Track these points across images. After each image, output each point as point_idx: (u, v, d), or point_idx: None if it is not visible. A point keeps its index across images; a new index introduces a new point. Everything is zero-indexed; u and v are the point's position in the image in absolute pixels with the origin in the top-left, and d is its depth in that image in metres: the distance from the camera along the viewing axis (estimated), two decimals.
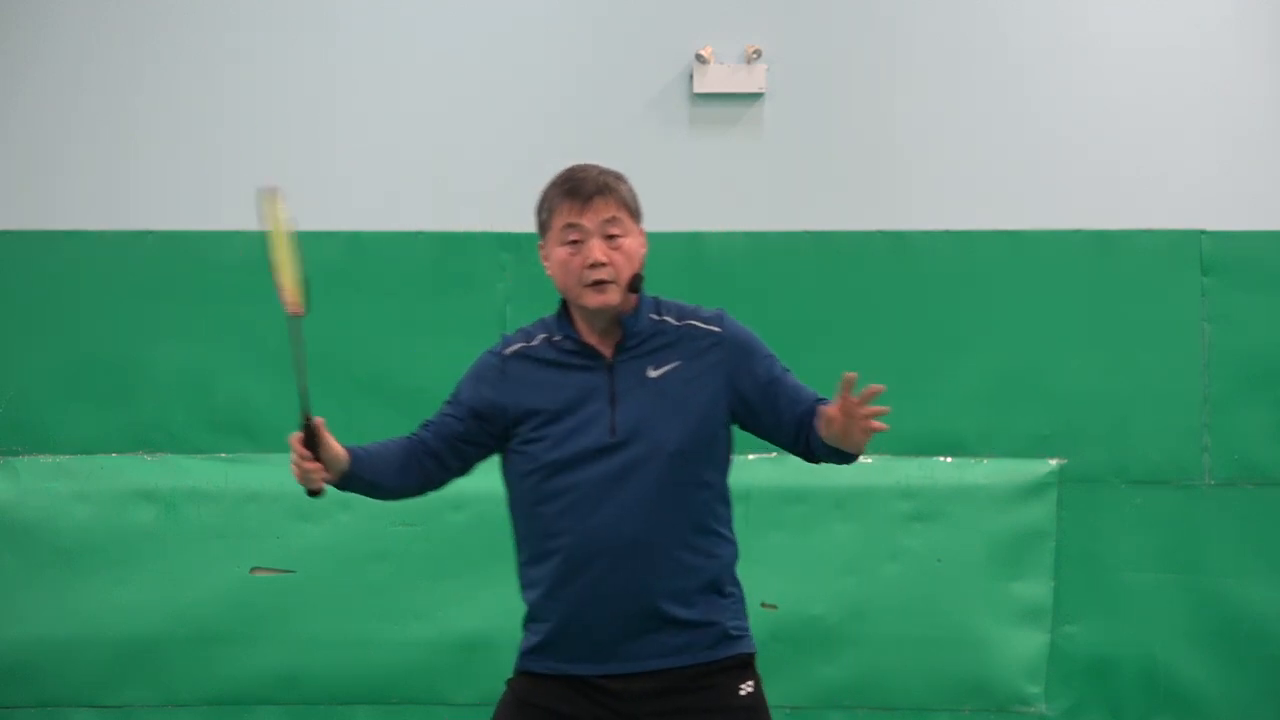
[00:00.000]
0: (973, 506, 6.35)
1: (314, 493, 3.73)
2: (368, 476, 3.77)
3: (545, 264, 3.79)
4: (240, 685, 6.32)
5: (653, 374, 3.71)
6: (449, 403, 3.85)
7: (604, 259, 3.69)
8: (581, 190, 3.71)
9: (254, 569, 6.35)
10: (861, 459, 6.32)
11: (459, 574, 6.33)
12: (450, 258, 6.45)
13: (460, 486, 6.72)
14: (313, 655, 6.32)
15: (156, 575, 6.32)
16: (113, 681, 6.32)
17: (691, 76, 6.53)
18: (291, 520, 6.35)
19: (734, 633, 3.74)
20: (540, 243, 3.79)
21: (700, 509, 3.71)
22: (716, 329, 3.76)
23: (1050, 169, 6.52)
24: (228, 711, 6.33)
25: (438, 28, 6.58)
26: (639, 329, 3.73)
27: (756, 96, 6.54)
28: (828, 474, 6.35)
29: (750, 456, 6.36)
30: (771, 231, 6.46)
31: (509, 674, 6.59)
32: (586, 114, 6.55)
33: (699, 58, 6.49)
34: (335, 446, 3.71)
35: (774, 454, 6.34)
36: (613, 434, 3.67)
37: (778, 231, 6.46)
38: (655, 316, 3.77)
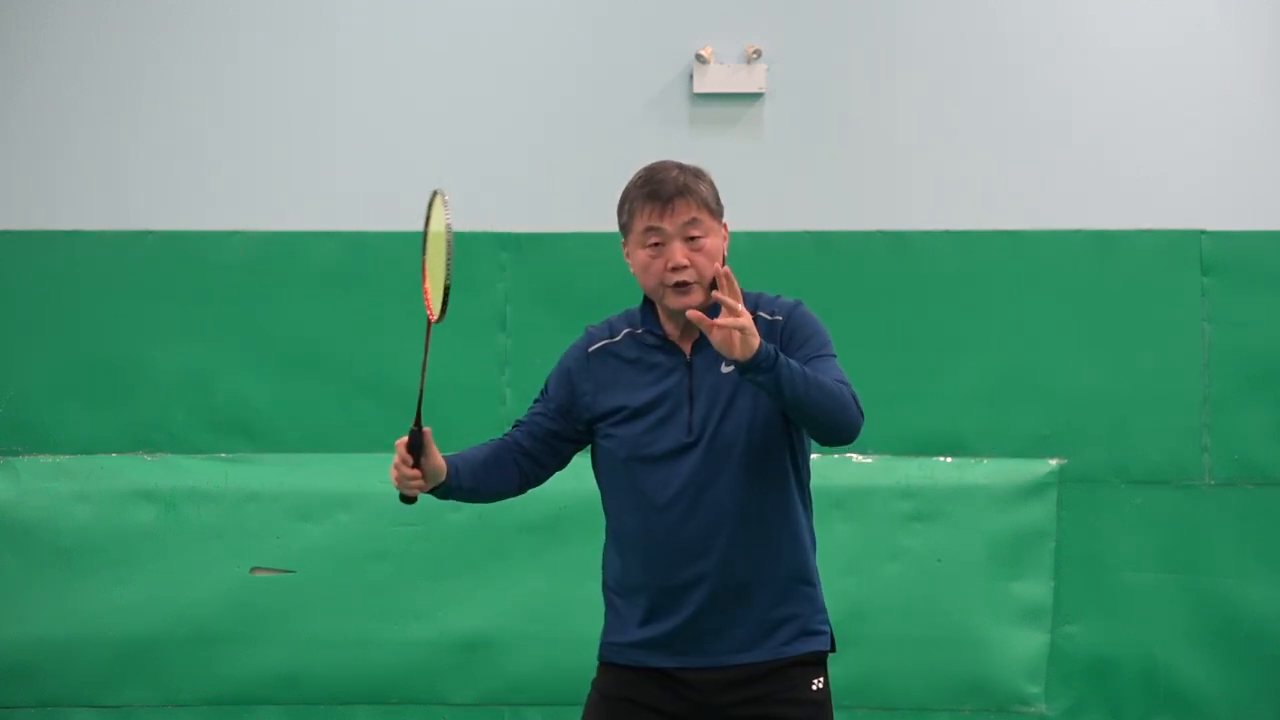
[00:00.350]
0: (973, 506, 6.35)
1: (407, 499, 3.73)
2: (467, 485, 3.79)
3: (628, 262, 3.81)
4: (240, 685, 6.32)
5: (725, 369, 3.74)
6: (539, 400, 3.90)
7: (685, 262, 3.72)
8: (661, 192, 3.73)
9: (254, 569, 6.35)
10: (861, 459, 6.35)
11: (459, 574, 6.33)
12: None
13: None
14: (313, 655, 6.31)
15: (156, 575, 6.32)
16: (113, 681, 6.32)
17: (691, 76, 6.53)
18: (291, 520, 6.35)
19: (814, 627, 3.78)
20: (622, 242, 3.81)
21: (778, 501, 3.74)
22: (780, 317, 3.79)
23: (1050, 169, 6.52)
24: (228, 711, 6.33)
25: (438, 28, 6.58)
26: None
27: (756, 96, 6.54)
28: (828, 474, 6.37)
29: None
30: (771, 231, 6.45)
31: (509, 674, 6.60)
32: (586, 114, 6.55)
33: (699, 58, 6.49)
34: (437, 458, 3.71)
35: None
36: (690, 432, 3.71)
37: (778, 231, 6.46)
38: None
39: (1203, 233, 6.43)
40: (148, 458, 6.42)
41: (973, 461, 6.40)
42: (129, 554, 6.33)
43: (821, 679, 3.78)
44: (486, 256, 6.43)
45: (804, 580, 3.78)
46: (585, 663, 4.04)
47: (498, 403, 6.32)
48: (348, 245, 6.46)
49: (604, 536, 3.88)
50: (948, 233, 6.46)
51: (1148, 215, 6.47)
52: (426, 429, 3.68)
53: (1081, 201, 6.50)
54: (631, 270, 3.80)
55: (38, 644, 6.31)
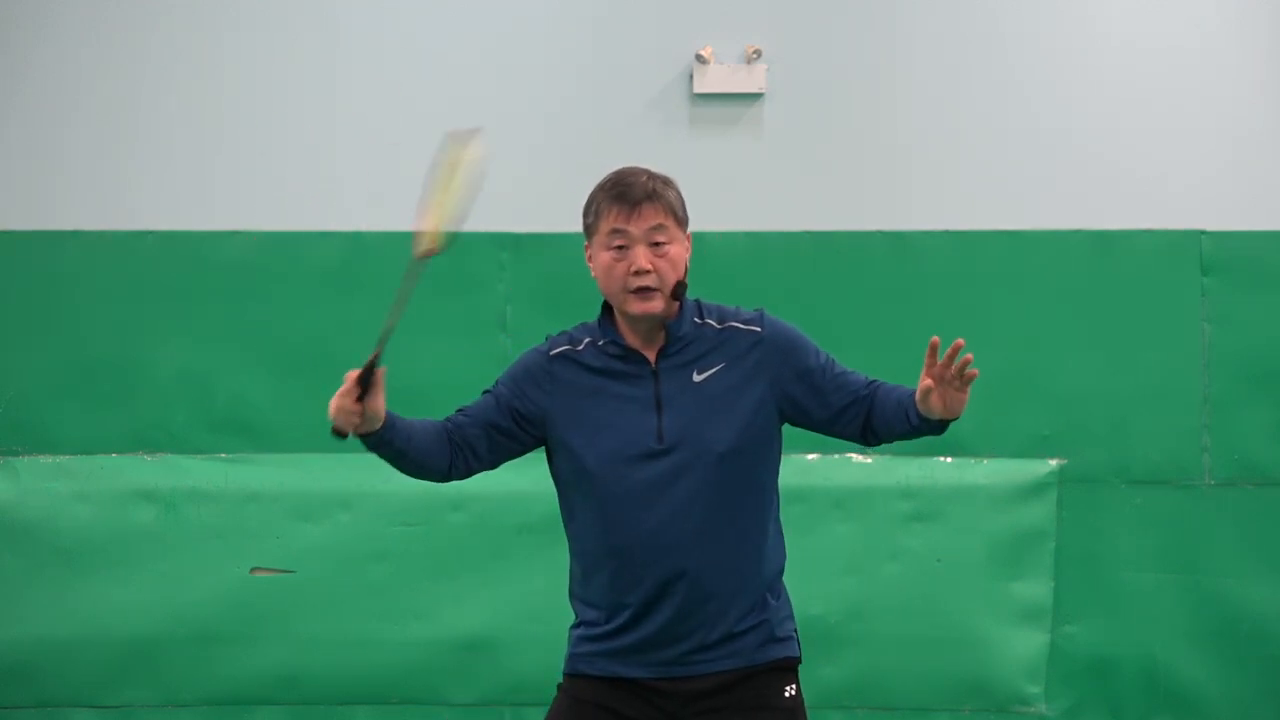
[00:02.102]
0: (973, 506, 6.35)
1: (339, 433, 3.64)
2: (399, 444, 3.70)
3: (590, 265, 3.78)
4: (240, 685, 6.32)
5: (697, 378, 3.72)
6: (490, 394, 3.82)
7: (648, 267, 3.68)
8: (630, 196, 3.70)
9: (254, 569, 6.35)
10: (861, 459, 6.35)
11: (459, 574, 6.33)
12: (450, 258, 6.42)
13: (460, 486, 6.68)
14: (313, 655, 6.31)
15: (156, 575, 6.32)
16: (113, 681, 6.32)
17: (691, 76, 6.53)
18: (291, 520, 6.35)
19: (781, 635, 3.77)
20: (586, 244, 3.78)
21: (750, 511, 3.72)
22: (757, 329, 3.76)
23: (1050, 169, 6.52)
24: (228, 711, 6.33)
25: (438, 28, 6.58)
26: (683, 334, 3.73)
27: (756, 96, 6.54)
28: (828, 474, 6.38)
29: None
30: (771, 231, 6.46)
31: (509, 674, 6.60)
32: (586, 114, 6.55)
33: (699, 58, 6.49)
34: (381, 403, 3.62)
35: None
36: (660, 440, 3.68)
37: (778, 231, 6.46)
38: (698, 320, 3.76)
39: (1203, 233, 6.43)
40: (148, 458, 6.42)
41: (973, 461, 6.40)
42: (129, 554, 6.33)
43: (794, 686, 3.78)
44: (486, 256, 6.43)
45: (770, 590, 3.76)
46: None
47: None
48: (348, 245, 6.46)
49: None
50: (948, 233, 6.46)
51: (1148, 215, 6.47)
52: (382, 368, 3.62)
53: (1081, 201, 6.49)
54: (593, 273, 3.76)
55: (38, 644, 6.31)
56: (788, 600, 3.83)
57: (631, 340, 3.75)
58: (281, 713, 6.34)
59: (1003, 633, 6.32)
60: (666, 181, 3.78)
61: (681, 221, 3.76)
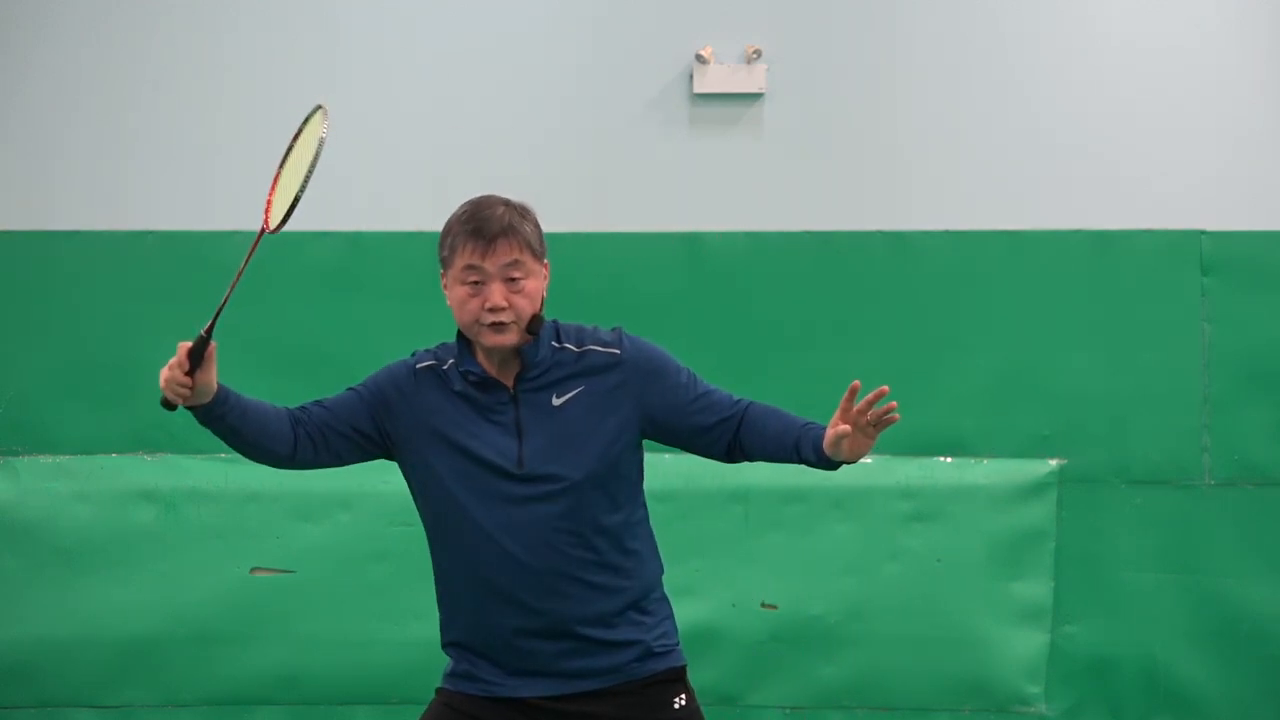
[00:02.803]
0: (973, 506, 6.35)
1: (168, 405, 3.70)
2: (231, 420, 3.72)
3: (445, 293, 3.74)
4: (240, 685, 6.32)
5: (557, 402, 3.70)
6: (354, 392, 3.80)
7: (504, 304, 3.65)
8: (485, 231, 3.67)
9: (254, 569, 6.35)
10: (861, 459, 6.32)
11: None
12: None
13: None
14: (313, 655, 6.32)
15: (156, 575, 6.32)
16: (113, 681, 6.32)
17: (691, 76, 6.53)
18: (291, 520, 6.35)
19: (659, 649, 3.75)
20: (442, 272, 3.75)
21: (613, 532, 3.70)
22: (615, 351, 3.74)
23: (1050, 169, 6.52)
24: (228, 711, 6.33)
25: (438, 28, 6.58)
26: (539, 359, 3.70)
27: (756, 96, 6.54)
28: (827, 474, 6.35)
29: None
30: (771, 231, 6.46)
31: None
32: (586, 114, 6.55)
33: (699, 58, 6.49)
34: (212, 377, 3.67)
35: None
36: (520, 466, 3.66)
37: (778, 231, 6.46)
38: (556, 344, 3.73)
39: (1203, 233, 6.43)
40: (148, 458, 6.42)
41: (973, 461, 6.40)
42: (129, 554, 6.33)
43: (684, 695, 3.75)
44: None
45: (644, 607, 3.74)
46: None
47: None
48: (347, 245, 6.46)
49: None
50: (948, 233, 6.46)
51: (1148, 215, 6.47)
52: (214, 343, 3.65)
53: (1081, 201, 6.50)
54: (449, 303, 3.73)
55: (38, 644, 6.31)
56: (667, 613, 3.80)
57: (488, 368, 3.72)
58: (281, 713, 6.34)
59: (1003, 633, 6.32)
60: (523, 213, 3.75)
61: (538, 254, 3.72)
